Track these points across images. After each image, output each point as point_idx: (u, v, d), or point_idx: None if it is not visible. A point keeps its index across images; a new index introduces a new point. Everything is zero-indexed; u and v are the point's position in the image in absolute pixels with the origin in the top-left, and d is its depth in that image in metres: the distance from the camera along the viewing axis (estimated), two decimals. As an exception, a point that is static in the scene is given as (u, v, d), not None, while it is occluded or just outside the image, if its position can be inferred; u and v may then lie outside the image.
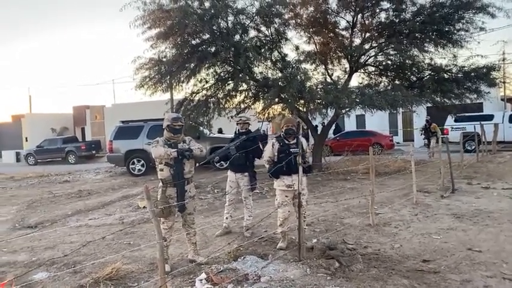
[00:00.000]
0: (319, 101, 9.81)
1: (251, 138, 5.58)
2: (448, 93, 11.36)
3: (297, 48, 11.83)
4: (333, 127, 16.67)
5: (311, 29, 11.67)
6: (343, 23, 11.87)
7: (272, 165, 4.84)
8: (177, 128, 4.37)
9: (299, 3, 11.29)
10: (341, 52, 11.88)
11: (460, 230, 5.37)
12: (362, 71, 12.53)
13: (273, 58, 11.34)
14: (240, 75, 10.71)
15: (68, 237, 6.13)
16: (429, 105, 12.46)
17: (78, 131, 31.46)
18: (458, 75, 11.38)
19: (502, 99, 24.15)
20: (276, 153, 4.85)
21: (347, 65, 12.18)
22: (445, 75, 11.53)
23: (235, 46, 9.93)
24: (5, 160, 26.77)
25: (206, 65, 10.39)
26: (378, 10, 11.39)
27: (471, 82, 11.48)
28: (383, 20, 11.48)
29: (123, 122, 14.74)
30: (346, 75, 12.10)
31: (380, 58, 11.96)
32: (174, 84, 11.37)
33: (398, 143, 22.00)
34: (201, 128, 12.71)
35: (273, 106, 11.52)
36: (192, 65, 10.32)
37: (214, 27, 10.20)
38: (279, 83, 9.69)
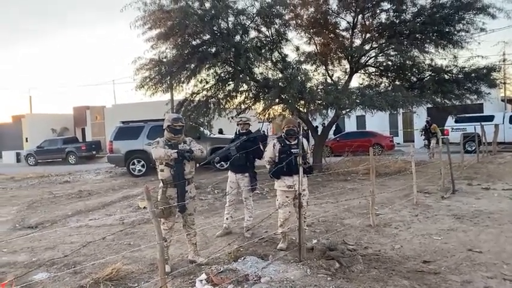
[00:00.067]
0: (319, 101, 9.81)
1: (251, 139, 5.58)
2: (449, 94, 11.36)
3: (297, 48, 11.85)
4: (333, 128, 16.67)
5: (311, 30, 11.67)
6: (343, 24, 11.89)
7: (273, 166, 4.85)
8: (177, 128, 4.37)
9: (299, 4, 11.29)
10: (341, 53, 11.88)
11: (460, 230, 5.37)
12: (362, 71, 12.53)
13: (273, 59, 11.35)
14: (241, 75, 10.71)
15: (68, 238, 6.13)
16: (429, 106, 12.46)
17: (79, 132, 31.48)
18: (459, 76, 11.38)
19: (502, 100, 24.12)
20: (277, 154, 4.85)
21: (347, 66, 12.18)
22: (446, 76, 11.53)
23: (236, 47, 9.94)
24: (5, 160, 26.78)
25: (206, 66, 10.39)
26: (378, 11, 11.39)
27: (471, 83, 11.48)
28: (383, 20, 11.48)
29: (123, 122, 14.74)
30: (347, 76, 12.10)
31: (380, 59, 11.97)
32: (175, 84, 11.36)
33: (398, 143, 22.00)
34: (202, 129, 12.71)
35: (273, 107, 11.52)
36: (193, 65, 10.32)
37: (215, 28, 10.21)
38: (280, 83, 9.69)
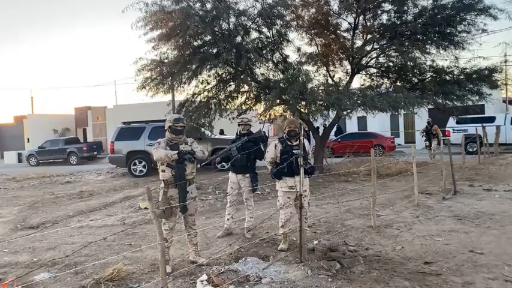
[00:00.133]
0: (320, 102, 9.80)
1: (253, 140, 5.58)
2: (450, 95, 11.34)
3: (298, 49, 11.87)
4: (335, 129, 16.68)
5: (312, 31, 11.66)
6: (344, 25, 11.88)
7: (274, 167, 4.85)
8: (178, 129, 4.38)
9: (300, 5, 11.29)
10: (343, 54, 11.87)
11: (461, 232, 5.36)
12: (363, 72, 12.53)
13: (274, 59, 11.35)
14: (242, 76, 10.72)
15: (69, 238, 6.14)
16: (431, 107, 12.45)
17: (80, 132, 31.53)
18: (460, 77, 11.36)
19: (503, 101, 24.10)
20: (278, 155, 4.86)
21: (348, 67, 12.17)
22: (447, 77, 11.51)
23: (237, 47, 9.94)
24: (7, 161, 26.82)
25: (208, 67, 10.40)
26: (379, 12, 11.38)
27: (473, 84, 11.46)
28: (385, 21, 11.48)
29: (124, 123, 14.79)
30: (348, 77, 12.09)
31: (381, 60, 11.96)
32: (176, 85, 11.38)
33: (399, 144, 21.98)
34: (203, 129, 12.73)
35: (274, 107, 11.52)
36: (194, 66, 10.33)
37: (216, 29, 10.22)
38: (281, 84, 9.69)
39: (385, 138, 18.96)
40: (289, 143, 4.85)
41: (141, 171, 13.76)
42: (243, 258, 4.44)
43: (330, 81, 11.87)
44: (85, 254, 5.05)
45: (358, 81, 13.00)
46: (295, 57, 11.76)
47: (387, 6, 11.12)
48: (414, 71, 11.75)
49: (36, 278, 4.32)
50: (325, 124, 13.10)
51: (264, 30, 11.03)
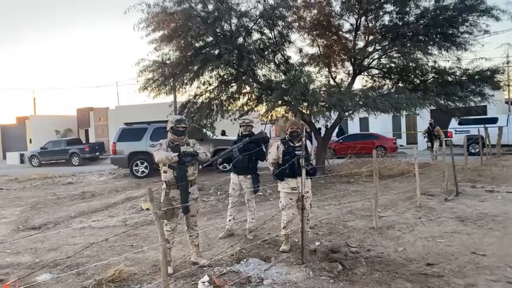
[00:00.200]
0: (322, 103, 9.80)
1: (254, 141, 5.58)
2: (452, 96, 11.32)
3: (300, 50, 11.87)
4: (336, 130, 16.65)
5: (314, 32, 11.66)
6: (346, 26, 11.88)
7: (277, 168, 4.85)
8: (180, 130, 4.39)
9: (302, 6, 11.29)
10: (344, 55, 11.87)
11: (464, 233, 5.34)
12: (365, 73, 12.52)
13: (276, 61, 11.36)
14: (244, 77, 10.73)
15: (71, 239, 6.15)
16: (433, 108, 12.43)
17: (82, 133, 31.59)
18: (462, 78, 11.34)
19: (506, 102, 24.04)
20: (280, 156, 4.86)
21: (350, 68, 12.17)
22: (449, 78, 11.49)
23: (239, 49, 9.95)
24: (9, 162, 26.89)
25: (209, 68, 10.41)
26: (381, 13, 11.38)
27: (475, 85, 11.43)
28: (387, 22, 11.47)
29: (126, 124, 14.79)
30: (350, 78, 12.09)
31: (383, 61, 11.95)
32: (178, 86, 11.39)
33: (401, 145, 21.95)
34: (205, 130, 12.74)
35: (276, 108, 11.52)
36: (196, 67, 10.34)
37: (218, 30, 10.23)
38: (282, 85, 9.70)
39: (387, 139, 18.93)
40: (291, 144, 4.85)
41: (143, 172, 13.77)
42: (245, 260, 4.44)
43: (332, 82, 11.87)
44: (87, 255, 5.06)
45: (360, 82, 13.02)
46: (297, 58, 11.81)
47: (389, 7, 11.13)
48: (416, 72, 11.74)
49: (38, 278, 4.32)
50: (327, 125, 13.08)
51: (266, 31, 11.04)
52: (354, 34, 11.75)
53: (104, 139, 27.90)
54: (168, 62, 10.73)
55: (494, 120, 16.15)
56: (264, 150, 5.66)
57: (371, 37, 11.53)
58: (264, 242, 5.16)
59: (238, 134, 5.87)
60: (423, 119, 15.34)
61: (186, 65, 10.38)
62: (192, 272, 4.24)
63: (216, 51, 10.26)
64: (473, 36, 10.91)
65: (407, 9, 10.91)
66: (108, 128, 29.10)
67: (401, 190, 8.29)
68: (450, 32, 10.84)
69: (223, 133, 16.30)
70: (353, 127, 23.70)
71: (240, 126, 5.82)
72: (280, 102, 10.44)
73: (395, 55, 11.27)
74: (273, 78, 11.22)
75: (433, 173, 10.28)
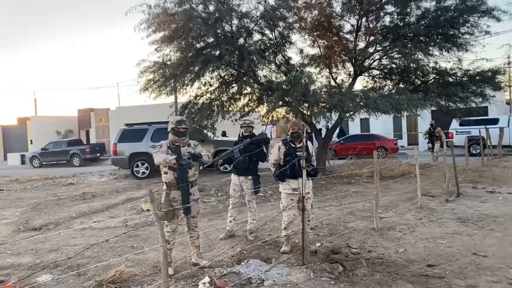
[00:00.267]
0: (323, 104, 9.80)
1: (255, 142, 5.57)
2: (453, 97, 11.31)
3: (301, 51, 11.88)
4: (337, 130, 16.64)
5: (315, 33, 11.66)
6: (347, 27, 11.88)
7: (278, 169, 4.85)
8: (181, 130, 4.39)
9: (303, 7, 11.30)
10: (345, 55, 11.87)
11: (465, 234, 5.33)
12: (366, 74, 12.51)
13: (277, 61, 11.36)
14: (244, 78, 10.73)
15: (71, 240, 6.15)
16: (434, 109, 12.43)
17: (83, 134, 31.60)
18: (463, 78, 11.33)
19: (507, 103, 24.01)
20: (282, 157, 4.86)
21: (351, 69, 12.16)
22: (450, 78, 11.49)
23: (240, 49, 9.96)
24: (10, 162, 26.90)
25: (210, 69, 10.42)
26: (382, 14, 11.38)
27: (476, 86, 11.43)
28: (387, 23, 11.48)
29: (127, 124, 14.80)
30: (351, 79, 12.09)
31: (384, 62, 11.95)
32: (178, 87, 11.40)
33: (402, 146, 21.93)
34: (205, 131, 12.74)
35: (276, 109, 11.52)
36: (197, 68, 10.35)
37: (219, 31, 10.24)
38: (283, 86, 9.70)
39: (388, 140, 18.93)
40: (292, 145, 4.85)
41: (143, 173, 13.78)
42: (245, 261, 4.43)
43: (333, 83, 11.86)
44: (87, 256, 5.05)
45: (360, 83, 13.06)
46: (298, 59, 11.80)
47: (390, 8, 11.13)
48: (417, 72, 11.74)
49: (38, 279, 4.32)
50: (328, 126, 13.08)
51: (267, 32, 11.05)
52: (354, 35, 11.75)
53: (105, 140, 27.92)
54: (168, 62, 10.73)
55: (495, 121, 16.14)
56: (265, 151, 5.66)
57: (372, 38, 11.53)
58: (265, 243, 5.15)
59: (239, 135, 5.87)
60: (424, 119, 15.33)
61: (186, 66, 10.39)
62: (193, 273, 4.23)
63: (217, 52, 10.27)
64: (474, 37, 10.93)
65: (408, 10, 10.91)
66: (109, 128, 29.12)
67: (402, 191, 8.28)
68: (451, 32, 10.84)
69: (224, 134, 16.30)
70: (354, 128, 23.70)
71: (241, 127, 5.82)
72: (280, 103, 10.44)
73: (396, 56, 11.27)
74: (273, 79, 11.22)
75: (434, 174, 10.26)
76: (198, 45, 10.55)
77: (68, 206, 9.39)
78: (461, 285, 3.76)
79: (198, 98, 11.84)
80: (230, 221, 5.69)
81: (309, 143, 4.84)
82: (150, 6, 9.92)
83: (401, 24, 11.20)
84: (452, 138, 16.06)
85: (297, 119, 10.03)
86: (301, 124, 5.16)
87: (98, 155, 23.90)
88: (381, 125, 21.95)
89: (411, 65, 11.09)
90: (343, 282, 3.83)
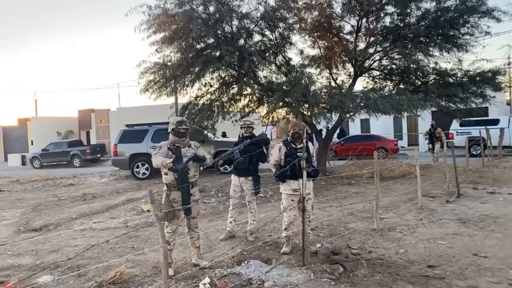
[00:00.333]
0: (323, 105, 9.80)
1: (255, 142, 5.58)
2: (453, 98, 11.31)
3: (301, 52, 11.88)
4: (338, 131, 16.65)
5: (315, 34, 11.67)
6: (347, 27, 11.89)
7: (279, 169, 4.85)
8: (181, 131, 4.39)
9: (303, 8, 11.31)
10: (345, 56, 11.87)
11: (465, 235, 5.33)
12: (366, 75, 12.51)
13: (277, 62, 11.37)
14: (245, 79, 10.74)
15: (72, 241, 6.15)
16: (434, 109, 12.43)
17: (83, 135, 31.61)
18: (464, 79, 11.33)
19: (507, 104, 23.99)
20: (282, 157, 4.86)
21: (351, 69, 12.17)
22: (450, 79, 11.49)
23: (240, 50, 9.96)
24: (10, 163, 26.91)
25: (211, 69, 10.43)
26: (382, 14, 11.39)
27: (476, 86, 11.42)
28: (388, 24, 11.48)
29: (127, 125, 14.81)
30: (351, 80, 12.09)
31: (385, 62, 11.95)
32: (179, 88, 11.41)
33: (403, 147, 21.92)
34: (206, 132, 12.75)
35: (277, 110, 11.53)
36: (197, 69, 10.36)
37: (219, 32, 10.25)
38: (284, 87, 9.70)
39: (388, 140, 18.92)
40: (293, 146, 4.85)
41: (144, 173, 13.78)
42: (246, 261, 4.43)
43: (333, 83, 11.86)
44: (88, 257, 5.05)
45: (361, 84, 13.01)
46: (298, 59, 11.79)
47: (390, 8, 11.13)
48: (417, 73, 11.73)
49: (39, 280, 4.32)
50: (328, 127, 13.08)
51: (267, 33, 11.06)
52: (355, 36, 11.76)
53: (105, 141, 27.93)
54: (169, 63, 10.74)
55: (495, 122, 16.14)
56: (265, 151, 5.66)
57: (372, 38, 11.53)
58: (265, 243, 5.15)
59: (239, 136, 5.87)
60: (424, 120, 15.32)
61: (187, 67, 10.40)
62: (193, 273, 4.23)
63: (217, 53, 10.28)
64: (474, 38, 10.93)
65: (409, 10, 10.91)
66: (109, 129, 29.13)
67: (403, 192, 8.28)
68: (451, 33, 10.84)
69: (224, 135, 16.30)
70: (354, 128, 23.70)
71: (241, 127, 5.83)
72: (281, 103, 10.45)
73: (396, 56, 11.27)
74: (274, 79, 11.23)
75: (434, 174, 10.26)
76: (198, 46, 10.57)
77: (69, 206, 9.40)
78: (461, 286, 3.76)
79: (198, 98, 11.86)
80: (230, 222, 5.69)
81: (309, 143, 4.85)
82: (151, 7, 9.95)
83: (401, 25, 11.20)
84: (453, 138, 16.06)
85: (297, 120, 10.04)
86: (302, 125, 5.16)
87: (99, 155, 23.92)
88: (381, 125, 21.94)
89: (411, 65, 11.09)
90: (344, 283, 3.83)
